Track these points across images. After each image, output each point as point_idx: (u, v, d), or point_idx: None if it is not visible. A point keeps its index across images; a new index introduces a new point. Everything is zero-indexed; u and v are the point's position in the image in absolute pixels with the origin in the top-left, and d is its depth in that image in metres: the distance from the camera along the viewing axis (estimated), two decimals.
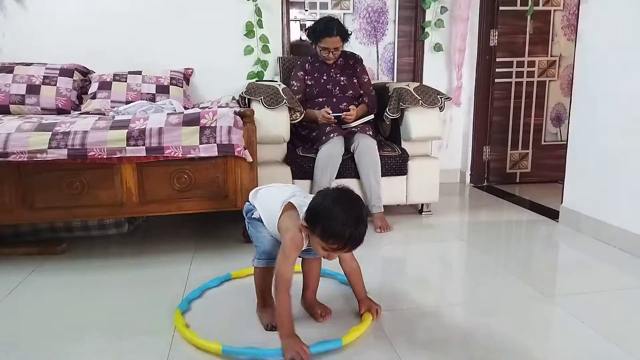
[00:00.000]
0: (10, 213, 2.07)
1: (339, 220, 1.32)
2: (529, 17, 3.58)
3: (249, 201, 1.63)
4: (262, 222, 1.55)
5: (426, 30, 3.59)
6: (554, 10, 3.67)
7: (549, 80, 3.78)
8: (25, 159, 1.97)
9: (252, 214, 1.58)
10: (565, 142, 2.73)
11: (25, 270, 2.07)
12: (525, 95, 3.77)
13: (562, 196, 2.74)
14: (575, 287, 1.89)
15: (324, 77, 2.84)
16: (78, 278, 2.02)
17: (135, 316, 1.67)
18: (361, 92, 2.89)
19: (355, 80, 2.87)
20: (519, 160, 3.87)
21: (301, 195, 1.53)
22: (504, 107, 3.77)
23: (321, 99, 2.81)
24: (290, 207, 1.47)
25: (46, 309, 1.74)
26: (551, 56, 3.74)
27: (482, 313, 1.67)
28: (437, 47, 3.64)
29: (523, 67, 3.72)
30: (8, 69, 2.86)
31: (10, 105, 2.80)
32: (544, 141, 3.86)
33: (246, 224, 1.63)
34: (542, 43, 3.71)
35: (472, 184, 3.82)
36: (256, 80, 3.14)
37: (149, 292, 1.88)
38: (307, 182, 2.65)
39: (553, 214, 2.86)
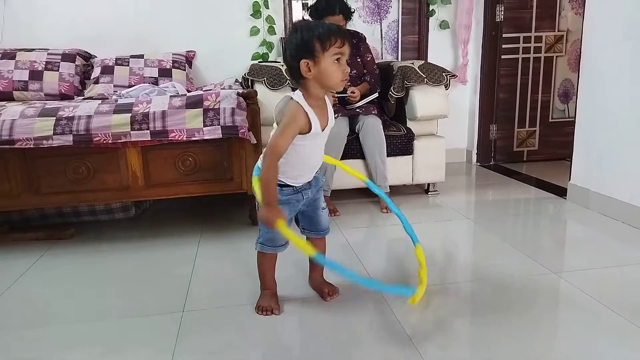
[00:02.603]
0: (17, 198, 2.08)
1: (317, 24, 1.34)
2: None
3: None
4: None
5: (432, 7, 3.53)
6: None
7: (557, 56, 3.71)
8: (32, 146, 1.98)
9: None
10: (573, 119, 2.69)
11: (34, 255, 2.09)
12: (532, 72, 3.71)
13: (570, 173, 2.71)
14: (583, 263, 1.88)
15: None
16: (87, 262, 2.03)
17: (145, 298, 1.69)
18: (365, 71, 2.86)
19: (358, 60, 2.83)
20: (526, 138, 3.83)
21: None
22: (511, 84, 3.71)
23: None
24: (283, 102, 1.43)
25: (55, 293, 1.76)
26: (558, 31, 3.67)
27: (489, 290, 1.67)
28: (444, 25, 3.58)
29: (530, 42, 3.65)
30: (10, 55, 2.86)
31: (14, 92, 2.80)
32: (552, 118, 3.81)
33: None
34: (549, 18, 3.64)
35: (478, 163, 3.79)
36: (259, 62, 3.11)
37: (157, 275, 1.89)
38: None
39: (561, 192, 2.84)
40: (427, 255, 2.02)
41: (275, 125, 1.43)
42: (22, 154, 2.04)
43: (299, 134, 1.36)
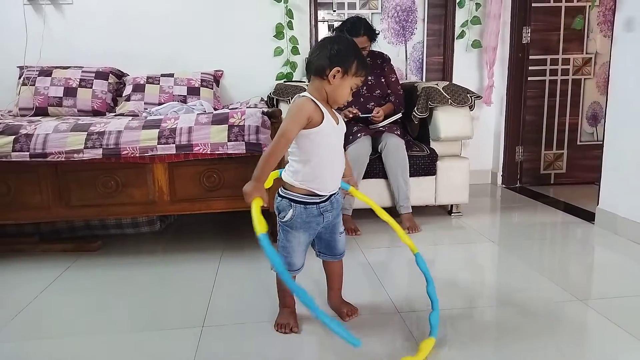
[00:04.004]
0: (48, 210, 2.15)
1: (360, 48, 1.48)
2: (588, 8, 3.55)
3: (278, 193, 1.51)
4: (291, 228, 1.48)
5: (463, 29, 3.54)
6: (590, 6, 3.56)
7: (585, 79, 3.66)
8: (63, 159, 2.05)
9: (284, 214, 1.47)
10: (602, 142, 2.64)
11: (61, 266, 2.14)
12: (560, 94, 3.67)
13: (598, 198, 2.65)
14: (611, 291, 1.82)
15: None
16: (112, 274, 2.08)
17: (166, 311, 1.71)
18: (389, 91, 2.88)
19: (383, 80, 2.85)
20: (553, 160, 3.76)
21: None
22: (538, 106, 3.67)
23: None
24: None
25: (79, 305, 1.80)
26: (586, 53, 3.63)
27: (513, 316, 1.63)
28: (476, 44, 3.58)
29: (557, 64, 3.62)
30: (47, 72, 2.98)
31: (49, 107, 2.91)
32: (580, 141, 3.75)
33: (278, 226, 1.54)
34: (577, 40, 3.60)
35: (503, 185, 3.74)
36: (284, 82, 3.16)
37: (179, 289, 1.92)
38: None
39: (589, 216, 2.77)
40: (450, 278, 2.00)
41: None
42: (54, 167, 2.11)
43: (312, 126, 1.38)
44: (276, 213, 1.51)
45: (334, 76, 1.39)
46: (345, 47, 1.41)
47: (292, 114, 1.38)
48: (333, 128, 1.44)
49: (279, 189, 1.51)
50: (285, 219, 1.47)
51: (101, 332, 1.57)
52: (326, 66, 1.39)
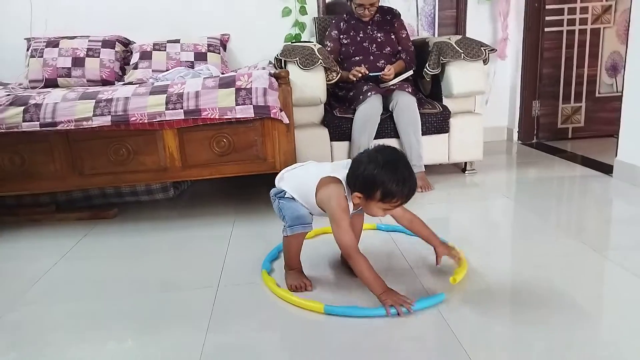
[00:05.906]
0: (63, 180, 2.17)
1: (396, 178, 1.33)
2: None
3: (275, 187, 1.60)
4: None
5: None
6: None
7: (604, 27, 3.51)
8: (72, 127, 2.05)
9: (284, 194, 1.54)
10: (622, 93, 2.55)
11: (79, 234, 2.18)
12: (578, 44, 3.53)
13: (616, 149, 2.58)
14: (629, 242, 1.80)
15: (360, 35, 2.76)
16: (128, 240, 2.11)
17: (183, 273, 1.74)
18: (399, 48, 2.80)
19: (393, 37, 2.78)
20: (571, 114, 3.66)
21: (335, 167, 1.50)
22: (555, 58, 3.55)
23: (358, 58, 2.75)
24: (327, 180, 1.46)
25: (98, 270, 1.84)
26: (606, 1, 3.47)
27: (529, 270, 1.61)
28: None
29: (575, 14, 3.47)
30: (54, 43, 2.96)
31: (58, 79, 2.91)
32: (599, 93, 3.63)
33: (276, 201, 1.57)
34: None
35: (520, 141, 3.66)
36: (292, 42, 3.10)
37: (195, 253, 1.95)
38: (346, 143, 2.63)
39: (607, 169, 2.71)
40: (464, 235, 1.99)
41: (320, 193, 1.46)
42: (65, 137, 2.12)
43: None
44: (274, 196, 1.59)
45: (358, 199, 1.39)
46: (374, 175, 1.33)
47: (338, 217, 1.40)
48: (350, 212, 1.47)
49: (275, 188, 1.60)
50: (287, 196, 1.54)
51: (121, 295, 1.60)
52: (351, 185, 1.40)
